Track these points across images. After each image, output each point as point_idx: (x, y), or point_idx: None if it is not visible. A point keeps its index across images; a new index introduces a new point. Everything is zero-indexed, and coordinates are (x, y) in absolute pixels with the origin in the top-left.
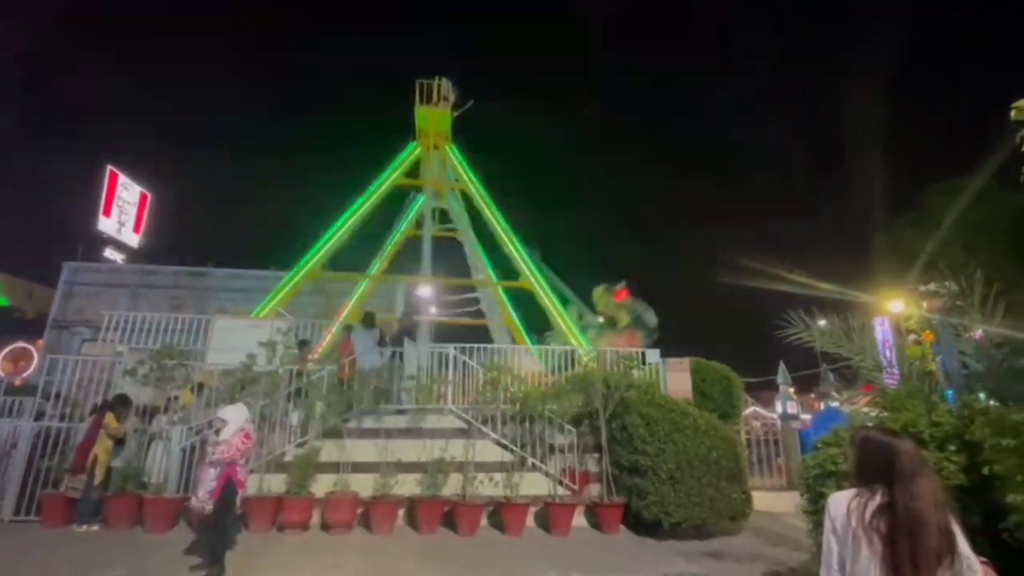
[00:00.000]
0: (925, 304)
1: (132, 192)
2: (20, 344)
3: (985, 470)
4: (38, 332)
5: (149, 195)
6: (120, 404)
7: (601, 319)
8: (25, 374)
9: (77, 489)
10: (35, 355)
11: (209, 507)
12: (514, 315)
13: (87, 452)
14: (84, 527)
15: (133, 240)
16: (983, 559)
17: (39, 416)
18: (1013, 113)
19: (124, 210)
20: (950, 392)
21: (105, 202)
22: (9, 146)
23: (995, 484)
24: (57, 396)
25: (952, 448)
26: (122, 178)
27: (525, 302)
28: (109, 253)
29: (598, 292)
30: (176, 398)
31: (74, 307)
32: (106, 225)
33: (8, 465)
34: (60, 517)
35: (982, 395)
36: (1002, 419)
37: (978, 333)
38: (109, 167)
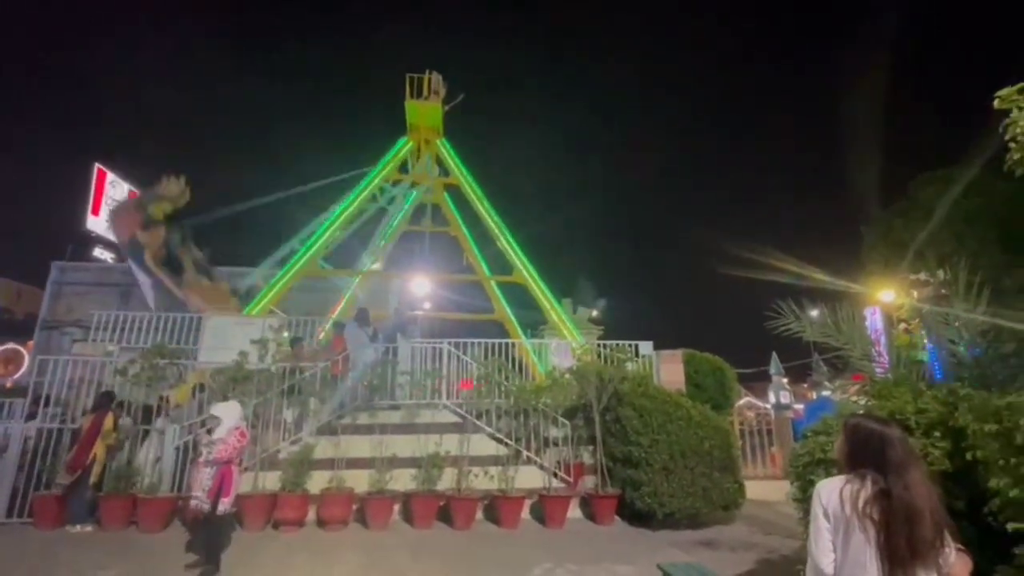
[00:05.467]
0: (915, 293)
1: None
2: (10, 345)
3: (969, 455)
4: (28, 333)
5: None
6: (110, 402)
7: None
8: (16, 376)
9: (61, 486)
10: (25, 356)
11: (207, 506)
12: (507, 309)
13: (87, 451)
14: (78, 527)
15: None
16: (959, 546)
17: (30, 417)
18: (996, 102)
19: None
20: (940, 378)
21: (94, 201)
22: None
23: (979, 469)
24: (48, 397)
25: (937, 434)
26: (110, 176)
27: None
28: (99, 252)
29: None
30: (166, 398)
31: (63, 307)
32: (95, 224)
33: None
34: (53, 518)
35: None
36: (985, 405)
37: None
38: (97, 165)
